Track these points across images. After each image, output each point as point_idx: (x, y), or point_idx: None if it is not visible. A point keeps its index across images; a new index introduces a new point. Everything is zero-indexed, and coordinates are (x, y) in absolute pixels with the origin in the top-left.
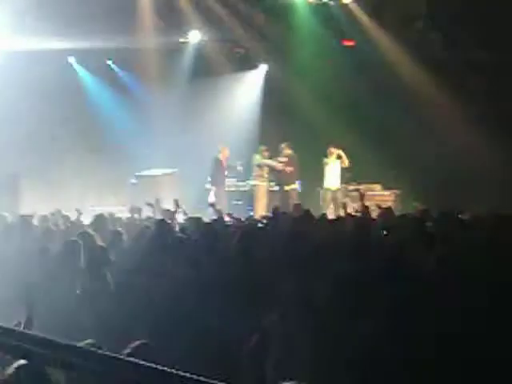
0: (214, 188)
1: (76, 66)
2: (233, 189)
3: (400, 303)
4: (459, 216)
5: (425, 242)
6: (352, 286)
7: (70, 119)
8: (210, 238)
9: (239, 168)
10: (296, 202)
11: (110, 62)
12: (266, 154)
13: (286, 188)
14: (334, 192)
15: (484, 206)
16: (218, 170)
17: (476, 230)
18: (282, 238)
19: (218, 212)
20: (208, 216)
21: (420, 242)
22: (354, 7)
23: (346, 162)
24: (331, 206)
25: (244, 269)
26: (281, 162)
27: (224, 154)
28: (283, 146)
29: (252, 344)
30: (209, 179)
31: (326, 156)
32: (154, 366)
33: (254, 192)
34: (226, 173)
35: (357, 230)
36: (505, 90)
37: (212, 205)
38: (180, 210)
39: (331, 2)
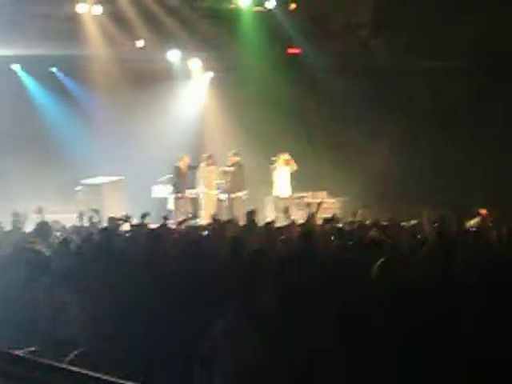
0: (175, 196)
1: (20, 73)
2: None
3: (346, 310)
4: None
5: (371, 249)
6: (298, 294)
7: (15, 126)
8: (154, 245)
9: None
10: (243, 209)
11: (54, 69)
12: (210, 161)
13: (233, 196)
14: (285, 200)
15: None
16: (179, 178)
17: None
18: (226, 245)
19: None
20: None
21: (365, 249)
22: (299, 15)
23: (294, 167)
24: (282, 214)
25: (189, 277)
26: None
27: (184, 162)
28: (230, 153)
29: (202, 352)
30: (169, 187)
31: (272, 163)
32: (90, 373)
33: (202, 200)
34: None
35: (302, 237)
36: (448, 96)
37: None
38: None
39: (276, 10)
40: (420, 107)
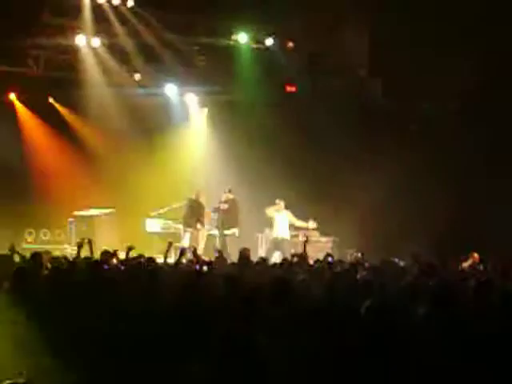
0: (190, 230)
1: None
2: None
3: (334, 352)
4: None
5: (360, 289)
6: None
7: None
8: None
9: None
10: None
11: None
12: (203, 197)
13: (226, 232)
14: (283, 241)
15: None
16: (191, 212)
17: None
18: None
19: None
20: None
21: (355, 289)
22: (297, 53)
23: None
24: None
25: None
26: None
27: (198, 196)
28: (225, 190)
29: None
30: (162, 221)
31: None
32: None
33: (194, 234)
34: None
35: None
36: (443, 138)
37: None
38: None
39: (274, 48)
40: (412, 148)
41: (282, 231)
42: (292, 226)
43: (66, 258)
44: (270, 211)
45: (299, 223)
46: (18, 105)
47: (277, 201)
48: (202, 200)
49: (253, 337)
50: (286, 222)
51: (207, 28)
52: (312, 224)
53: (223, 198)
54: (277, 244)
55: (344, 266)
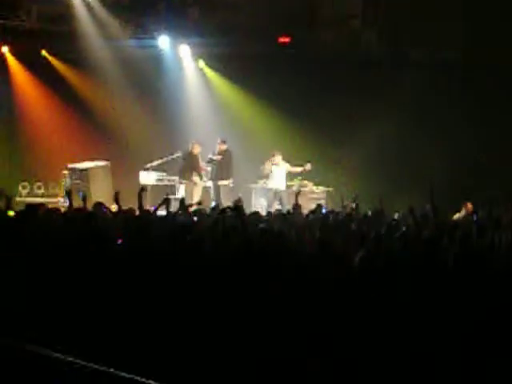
0: (185, 182)
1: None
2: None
3: (324, 301)
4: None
5: (353, 240)
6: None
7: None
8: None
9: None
10: (230, 197)
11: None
12: (198, 148)
13: (219, 183)
14: (280, 193)
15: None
16: (188, 164)
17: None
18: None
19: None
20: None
21: (348, 240)
22: (290, 3)
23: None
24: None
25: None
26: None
27: (196, 150)
28: (219, 141)
29: None
30: (156, 173)
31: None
32: None
33: (189, 186)
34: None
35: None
36: (441, 87)
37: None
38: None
39: None
40: (409, 99)
41: (278, 183)
42: (289, 175)
43: (58, 209)
44: (268, 166)
45: (296, 169)
46: (10, 58)
47: (274, 153)
48: (197, 152)
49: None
50: (283, 173)
51: None
52: (308, 166)
53: (217, 149)
54: (275, 195)
55: (337, 216)
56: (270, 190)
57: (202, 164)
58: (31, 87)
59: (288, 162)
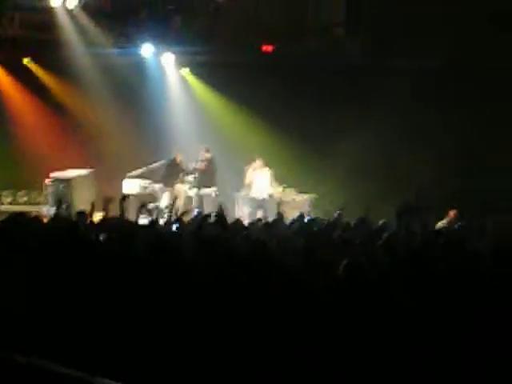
0: (168, 190)
1: None
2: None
3: (311, 310)
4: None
5: (336, 248)
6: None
7: None
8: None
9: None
10: (213, 206)
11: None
12: (180, 157)
13: (203, 192)
14: (263, 201)
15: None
16: (171, 173)
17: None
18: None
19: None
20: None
21: (331, 248)
22: (274, 12)
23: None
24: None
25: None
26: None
27: (178, 158)
28: (203, 150)
29: None
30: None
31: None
32: None
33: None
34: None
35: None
36: (423, 94)
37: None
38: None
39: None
40: (393, 106)
41: (260, 191)
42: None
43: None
44: (249, 174)
45: (272, 188)
46: None
47: (255, 158)
48: (180, 160)
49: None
50: (266, 180)
51: None
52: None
53: (200, 157)
54: (258, 203)
55: (321, 224)
56: (253, 198)
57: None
58: (15, 94)
59: (269, 168)
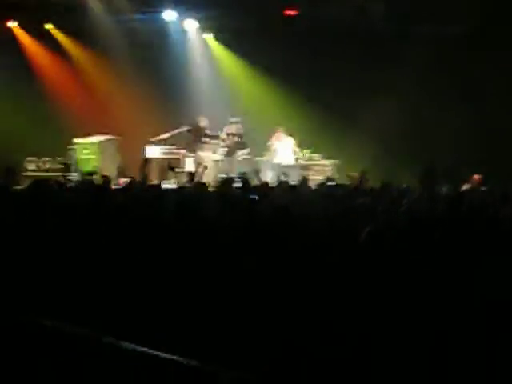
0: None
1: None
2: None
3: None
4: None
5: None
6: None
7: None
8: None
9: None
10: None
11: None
12: (203, 121)
13: (235, 156)
14: (288, 167)
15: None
16: (195, 138)
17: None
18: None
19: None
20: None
21: (354, 215)
22: None
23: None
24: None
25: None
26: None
27: (203, 123)
28: (230, 120)
29: None
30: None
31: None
32: None
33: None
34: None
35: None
36: (444, 63)
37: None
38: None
39: None
40: (417, 71)
41: (284, 158)
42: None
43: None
44: (272, 141)
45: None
46: (18, 31)
47: (277, 129)
48: (203, 125)
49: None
50: (289, 148)
51: None
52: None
53: (229, 130)
54: (282, 169)
55: (345, 190)
56: (277, 164)
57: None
58: (42, 60)
59: (292, 136)
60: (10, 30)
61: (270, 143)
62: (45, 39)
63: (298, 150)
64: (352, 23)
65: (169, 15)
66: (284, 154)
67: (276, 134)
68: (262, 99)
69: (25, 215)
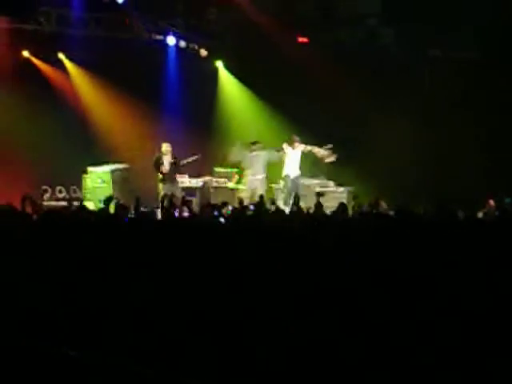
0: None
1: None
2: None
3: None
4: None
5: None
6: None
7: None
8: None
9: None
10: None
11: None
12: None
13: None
14: (295, 180)
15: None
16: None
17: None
18: None
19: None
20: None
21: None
22: (307, 3)
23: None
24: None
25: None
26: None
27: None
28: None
29: None
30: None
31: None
32: None
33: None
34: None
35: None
36: (458, 88)
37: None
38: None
39: None
40: (427, 97)
41: (291, 169)
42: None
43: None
44: (284, 147)
45: (316, 148)
46: (35, 61)
47: (292, 137)
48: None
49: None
50: (297, 158)
51: None
52: (329, 148)
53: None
54: (292, 183)
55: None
56: (286, 176)
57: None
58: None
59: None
60: (26, 59)
61: (284, 146)
62: (57, 67)
63: (317, 149)
64: (363, 48)
65: (178, 42)
66: (292, 165)
67: (292, 141)
68: (273, 127)
69: (41, 243)
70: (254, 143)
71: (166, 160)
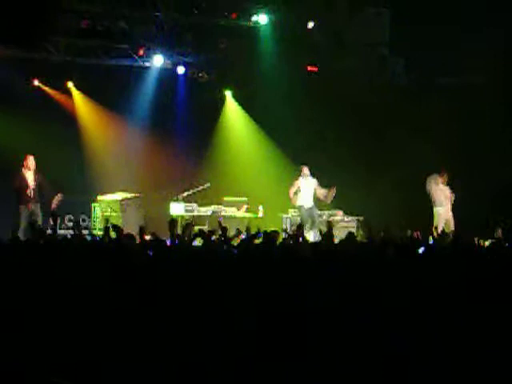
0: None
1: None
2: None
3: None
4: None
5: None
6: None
7: None
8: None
9: None
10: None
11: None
12: None
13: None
14: (310, 209)
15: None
16: None
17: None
18: None
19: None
20: None
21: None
22: (317, 33)
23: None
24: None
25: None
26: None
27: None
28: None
29: None
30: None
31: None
32: None
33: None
34: None
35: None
36: (467, 113)
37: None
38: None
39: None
40: (438, 124)
41: (305, 200)
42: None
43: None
44: (297, 182)
45: (321, 190)
46: (46, 89)
47: (302, 167)
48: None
49: None
50: (311, 189)
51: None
52: (334, 190)
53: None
54: (308, 212)
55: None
56: (300, 206)
57: None
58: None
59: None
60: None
61: (293, 186)
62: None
63: (323, 190)
64: (372, 76)
65: (182, 70)
66: (306, 196)
67: (301, 172)
68: (284, 154)
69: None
70: None
71: None
